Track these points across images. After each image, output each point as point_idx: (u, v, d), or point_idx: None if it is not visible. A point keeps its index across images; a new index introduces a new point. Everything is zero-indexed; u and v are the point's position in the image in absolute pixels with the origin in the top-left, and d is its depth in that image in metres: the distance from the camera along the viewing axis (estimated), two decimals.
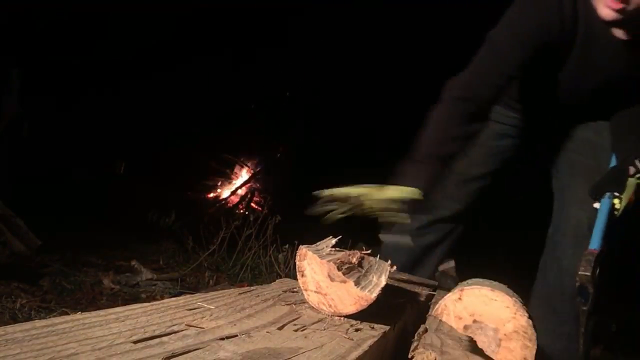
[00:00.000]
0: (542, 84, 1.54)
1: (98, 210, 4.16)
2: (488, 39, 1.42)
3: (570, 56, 1.41)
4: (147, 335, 0.52)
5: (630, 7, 1.21)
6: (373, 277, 0.79)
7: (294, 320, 0.69)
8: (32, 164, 4.16)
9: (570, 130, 1.67)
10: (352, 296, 0.72)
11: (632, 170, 1.37)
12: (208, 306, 0.68)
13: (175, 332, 0.54)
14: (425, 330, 0.83)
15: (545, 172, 1.77)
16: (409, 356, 0.69)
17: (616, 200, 1.34)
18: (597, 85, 1.48)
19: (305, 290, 0.76)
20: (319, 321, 0.70)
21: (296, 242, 3.17)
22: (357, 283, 0.72)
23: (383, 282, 0.76)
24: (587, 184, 1.48)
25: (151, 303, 0.65)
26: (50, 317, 1.00)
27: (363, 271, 0.80)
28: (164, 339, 0.52)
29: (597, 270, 1.18)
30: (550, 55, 1.41)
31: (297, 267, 0.78)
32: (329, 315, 0.74)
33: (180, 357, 0.47)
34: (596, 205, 1.38)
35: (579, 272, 1.18)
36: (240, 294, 0.82)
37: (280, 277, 2.98)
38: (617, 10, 1.22)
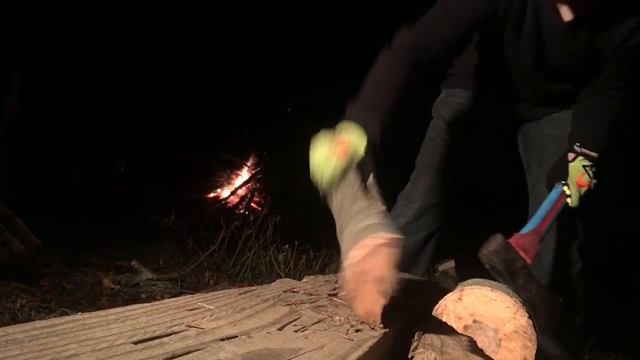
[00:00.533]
0: (497, 63, 1.57)
1: (98, 210, 4.16)
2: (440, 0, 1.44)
3: (521, 34, 1.45)
4: (147, 335, 0.52)
5: None
6: None
7: (294, 320, 0.69)
8: (32, 164, 4.15)
9: (540, 127, 1.72)
10: None
11: (571, 155, 1.43)
12: (208, 306, 0.68)
13: (175, 333, 0.54)
14: (426, 330, 0.83)
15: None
16: (409, 356, 0.69)
17: (565, 188, 1.37)
18: (552, 66, 1.51)
19: None
20: (319, 322, 0.70)
21: (296, 242, 3.17)
22: None
23: None
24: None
25: (151, 303, 0.65)
26: (50, 318, 1.00)
27: None
28: (165, 339, 0.52)
29: (506, 250, 1.18)
30: (499, 27, 1.46)
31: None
32: (328, 317, 0.74)
33: (180, 357, 0.47)
34: None
35: (478, 253, 1.19)
36: (240, 294, 0.82)
37: (280, 277, 2.98)
38: None
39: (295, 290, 0.94)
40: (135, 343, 0.49)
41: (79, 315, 0.56)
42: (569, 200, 1.38)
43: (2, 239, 2.28)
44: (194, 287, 2.70)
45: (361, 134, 1.16)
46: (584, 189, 1.40)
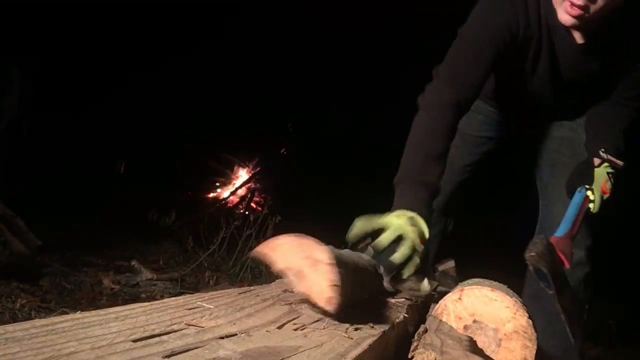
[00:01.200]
0: (514, 82, 1.58)
1: (98, 210, 4.16)
2: (460, 36, 1.44)
3: (536, 57, 1.46)
4: (146, 334, 0.52)
5: (588, 15, 1.25)
6: None
7: (293, 319, 0.69)
8: (32, 164, 4.16)
9: (547, 130, 1.73)
10: None
11: (596, 161, 1.43)
12: (208, 306, 0.68)
13: (174, 331, 0.54)
14: (425, 330, 0.83)
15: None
16: (409, 356, 0.69)
17: (589, 193, 1.37)
18: (568, 86, 1.52)
19: None
20: (318, 320, 0.70)
21: None
22: None
23: None
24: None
25: (151, 302, 0.65)
26: (50, 317, 1.00)
27: None
28: (164, 337, 0.52)
29: (551, 253, 1.15)
30: (517, 52, 1.45)
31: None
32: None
33: (179, 355, 0.47)
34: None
35: (525, 255, 1.13)
36: (240, 293, 0.82)
37: (280, 277, 2.98)
38: (576, 17, 1.26)
39: (294, 290, 0.94)
40: (135, 341, 0.49)
41: (78, 314, 0.56)
42: (591, 205, 1.38)
43: (2, 239, 2.29)
44: (194, 287, 2.70)
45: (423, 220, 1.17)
46: (606, 196, 1.41)
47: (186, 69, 6.13)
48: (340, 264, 0.71)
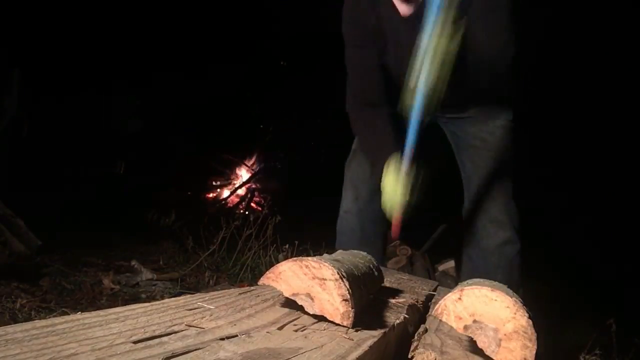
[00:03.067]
0: (393, 75, 1.70)
1: (98, 210, 4.16)
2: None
3: (391, 40, 1.62)
4: (147, 335, 0.52)
5: None
6: None
7: (294, 320, 0.69)
8: (32, 164, 4.16)
9: (461, 126, 1.83)
10: None
11: None
12: (208, 306, 0.68)
13: (175, 332, 0.54)
14: (425, 331, 0.83)
15: None
16: (409, 356, 0.69)
17: None
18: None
19: None
20: (318, 321, 0.70)
21: (296, 242, 3.17)
22: None
23: None
24: (487, 170, 1.74)
25: (151, 303, 0.65)
26: (50, 317, 1.00)
27: None
28: (164, 339, 0.52)
29: None
30: (380, 38, 1.63)
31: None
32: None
33: (180, 357, 0.47)
34: None
35: None
36: (240, 294, 0.82)
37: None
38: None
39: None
40: (135, 342, 0.49)
41: (78, 315, 0.55)
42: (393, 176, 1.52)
43: (2, 239, 2.28)
44: (194, 287, 2.70)
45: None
46: None
47: (186, 71, 6.13)
48: (345, 275, 0.71)
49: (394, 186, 1.47)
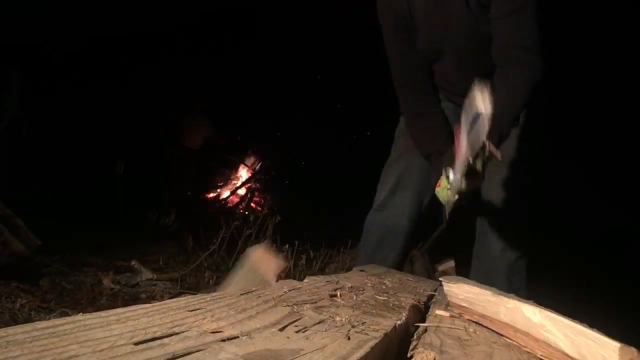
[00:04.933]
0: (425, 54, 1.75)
1: (98, 210, 4.16)
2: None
3: (415, 18, 1.65)
4: (148, 336, 0.52)
5: None
6: None
7: (295, 321, 0.68)
8: (32, 164, 4.15)
9: None
10: None
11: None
12: (209, 307, 0.68)
13: (176, 334, 0.54)
14: (425, 330, 0.83)
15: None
16: (409, 355, 0.69)
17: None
18: (451, 41, 1.65)
19: None
20: (320, 322, 0.70)
21: (296, 242, 3.17)
22: None
23: None
24: (502, 172, 1.74)
25: (152, 304, 0.65)
26: (50, 318, 0.99)
27: None
28: (165, 340, 0.52)
29: None
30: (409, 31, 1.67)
31: None
32: (330, 317, 0.74)
33: (181, 358, 0.47)
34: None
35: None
36: (241, 294, 0.82)
37: (281, 278, 2.98)
38: None
39: (296, 290, 0.94)
40: (136, 344, 0.49)
41: (79, 316, 0.55)
42: (456, 185, 1.47)
43: (2, 239, 2.28)
44: (194, 287, 2.70)
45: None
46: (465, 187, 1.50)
47: (187, 71, 6.12)
48: None
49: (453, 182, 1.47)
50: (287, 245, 3.16)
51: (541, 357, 0.74)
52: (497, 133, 1.46)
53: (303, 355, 0.53)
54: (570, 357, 0.67)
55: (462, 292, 0.99)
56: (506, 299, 0.86)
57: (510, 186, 1.77)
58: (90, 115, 5.10)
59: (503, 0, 1.51)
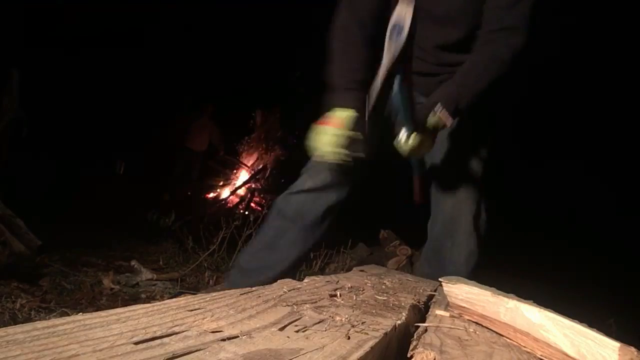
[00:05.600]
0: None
1: (98, 210, 4.16)
2: None
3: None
4: (148, 336, 0.52)
5: None
6: None
7: (295, 321, 0.69)
8: (32, 164, 4.15)
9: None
10: None
11: (430, 111, 1.45)
12: (209, 307, 0.68)
13: (176, 333, 0.54)
14: (425, 330, 0.83)
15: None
16: (408, 355, 0.69)
17: (413, 135, 1.43)
18: (435, 15, 1.56)
19: None
20: (320, 322, 0.70)
21: None
22: None
23: None
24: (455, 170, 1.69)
25: (152, 304, 0.65)
26: (50, 318, 0.99)
27: None
28: (165, 340, 0.52)
29: None
30: None
31: None
32: (329, 317, 0.74)
33: (181, 358, 0.47)
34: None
35: None
36: (241, 294, 0.82)
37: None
38: None
39: (296, 290, 0.94)
40: (136, 343, 0.49)
41: (79, 316, 0.55)
42: (403, 141, 1.44)
43: (2, 239, 2.28)
44: (194, 287, 2.70)
45: (349, 109, 1.46)
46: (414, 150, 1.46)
47: (187, 71, 6.12)
48: None
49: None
50: None
51: (541, 357, 0.74)
52: (454, 102, 1.44)
53: (303, 354, 0.53)
54: (570, 357, 0.67)
55: (462, 292, 0.99)
56: (506, 299, 0.86)
57: (461, 185, 1.72)
58: (90, 115, 5.11)
59: None
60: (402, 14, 1.28)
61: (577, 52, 5.14)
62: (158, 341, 0.51)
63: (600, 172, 5.33)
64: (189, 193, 6.87)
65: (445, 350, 0.69)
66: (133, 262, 2.88)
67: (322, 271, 3.19)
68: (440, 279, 1.07)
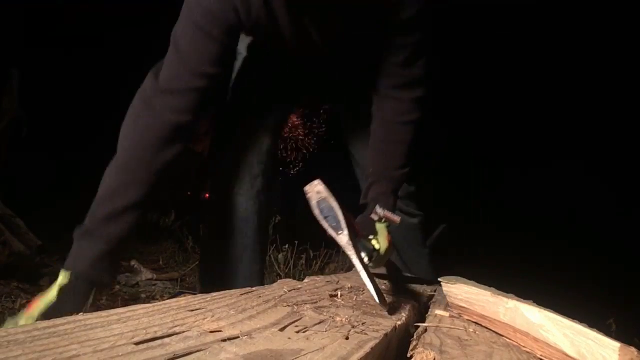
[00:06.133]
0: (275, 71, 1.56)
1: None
2: (174, 42, 1.28)
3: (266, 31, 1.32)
4: (149, 336, 0.52)
5: None
6: None
7: (295, 321, 0.69)
8: (31, 164, 4.15)
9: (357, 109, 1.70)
10: None
11: (375, 217, 1.33)
12: (210, 307, 0.68)
13: (177, 334, 0.54)
14: (425, 330, 0.83)
15: None
16: (409, 355, 0.69)
17: (374, 242, 1.25)
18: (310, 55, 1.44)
19: None
20: (320, 323, 0.70)
21: (296, 242, 3.17)
22: None
23: None
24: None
25: (153, 304, 0.65)
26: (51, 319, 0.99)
27: None
28: (166, 340, 0.52)
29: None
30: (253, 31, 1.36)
31: None
32: (330, 318, 0.74)
33: (182, 358, 0.47)
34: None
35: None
36: (241, 295, 0.82)
37: (281, 278, 2.98)
38: None
39: (296, 291, 0.94)
40: (137, 344, 0.49)
41: (80, 316, 0.55)
42: (377, 249, 1.25)
43: (2, 239, 2.28)
44: (194, 287, 2.70)
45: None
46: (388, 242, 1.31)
47: None
48: None
49: None
50: (287, 245, 3.17)
51: (541, 357, 0.74)
52: (391, 195, 1.36)
53: (303, 355, 0.53)
54: (570, 357, 0.67)
55: (461, 292, 1.00)
56: (506, 299, 0.86)
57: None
58: (91, 115, 5.11)
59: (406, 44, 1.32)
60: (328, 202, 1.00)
61: (577, 52, 5.14)
62: (159, 342, 0.51)
63: (600, 172, 5.33)
64: (189, 193, 6.87)
65: (445, 351, 0.69)
66: (133, 262, 2.88)
67: (322, 271, 3.19)
68: (440, 279, 1.07)
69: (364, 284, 0.91)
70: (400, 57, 1.34)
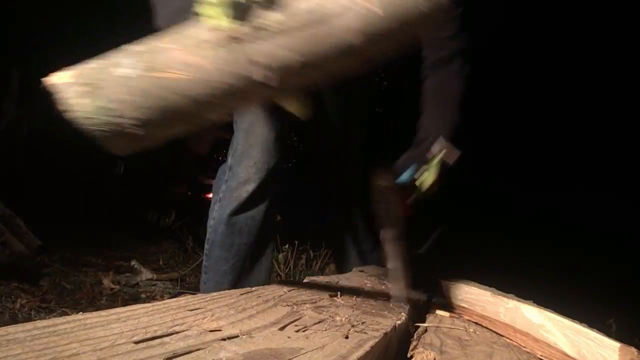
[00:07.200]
0: None
1: (98, 210, 4.16)
2: None
3: None
4: (148, 335, 0.52)
5: None
6: None
7: (295, 321, 0.69)
8: (32, 164, 4.15)
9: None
10: None
11: (437, 147, 1.33)
12: (209, 307, 0.68)
13: (176, 333, 0.54)
14: (425, 330, 0.83)
15: None
16: (409, 355, 0.69)
17: (425, 174, 1.30)
18: None
19: None
20: (320, 322, 0.70)
21: (296, 242, 3.17)
22: None
23: None
24: None
25: (152, 303, 0.65)
26: (50, 317, 1.00)
27: None
28: (166, 339, 0.52)
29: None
30: None
31: None
32: (329, 317, 0.74)
33: (181, 357, 0.47)
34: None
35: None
36: (241, 294, 0.82)
37: (281, 278, 2.98)
38: None
39: (296, 290, 0.94)
40: (137, 343, 0.49)
41: (80, 315, 0.56)
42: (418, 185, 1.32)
43: (2, 239, 2.28)
44: (194, 287, 2.70)
45: None
46: (434, 186, 1.33)
47: None
48: None
49: None
50: (287, 245, 3.16)
51: (541, 357, 0.74)
52: (452, 130, 1.37)
53: (303, 354, 0.53)
54: (570, 357, 0.67)
55: (461, 292, 1.00)
56: (506, 299, 0.86)
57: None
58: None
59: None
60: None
61: (577, 53, 5.14)
62: (158, 340, 0.51)
63: (600, 171, 5.33)
64: (189, 193, 6.87)
65: (445, 350, 0.69)
66: (133, 262, 2.88)
67: (322, 271, 3.19)
68: (440, 279, 1.07)
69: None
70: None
